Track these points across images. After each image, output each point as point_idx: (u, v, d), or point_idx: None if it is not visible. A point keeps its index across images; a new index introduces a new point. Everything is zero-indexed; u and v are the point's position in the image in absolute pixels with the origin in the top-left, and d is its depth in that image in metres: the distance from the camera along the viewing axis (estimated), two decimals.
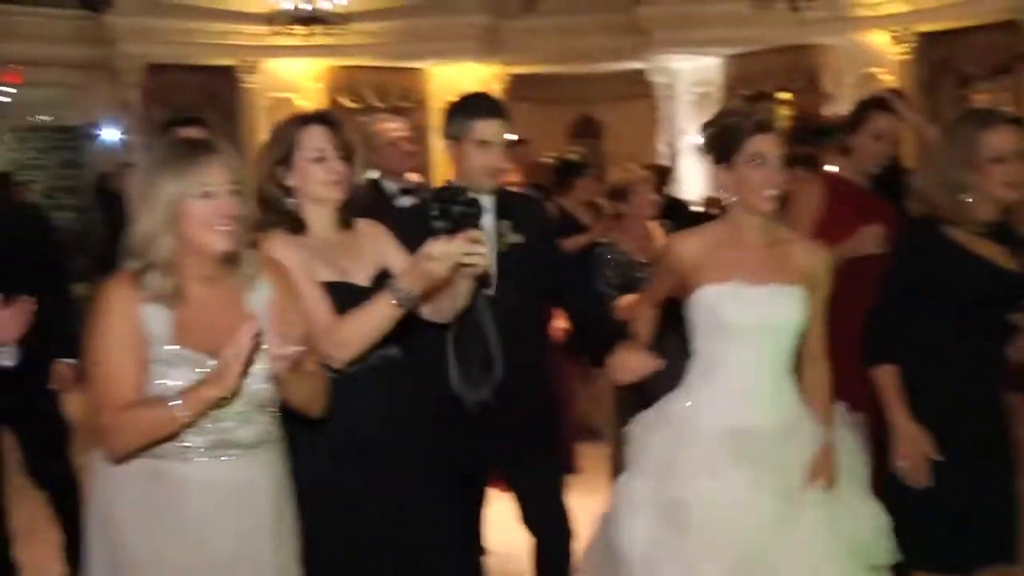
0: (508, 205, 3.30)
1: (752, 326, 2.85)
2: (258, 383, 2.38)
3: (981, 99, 11.85)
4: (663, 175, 7.28)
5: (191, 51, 13.07)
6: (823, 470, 2.87)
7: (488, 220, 3.20)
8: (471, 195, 2.49)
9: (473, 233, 2.42)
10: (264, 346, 2.37)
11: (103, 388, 2.31)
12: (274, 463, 2.53)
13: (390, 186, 4.81)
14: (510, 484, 3.41)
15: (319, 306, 2.66)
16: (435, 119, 13.94)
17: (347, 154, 2.80)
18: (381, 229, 2.96)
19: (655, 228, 4.92)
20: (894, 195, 3.95)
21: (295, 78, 13.91)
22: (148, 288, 2.33)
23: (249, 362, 2.24)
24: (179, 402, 2.23)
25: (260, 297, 2.47)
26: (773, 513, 2.75)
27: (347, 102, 13.93)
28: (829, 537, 2.80)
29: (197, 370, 2.32)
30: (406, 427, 2.84)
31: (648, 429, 2.98)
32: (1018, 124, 3.09)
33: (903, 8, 11.65)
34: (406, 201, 4.79)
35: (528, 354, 3.28)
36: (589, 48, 13.84)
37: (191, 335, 2.35)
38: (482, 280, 2.68)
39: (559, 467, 3.49)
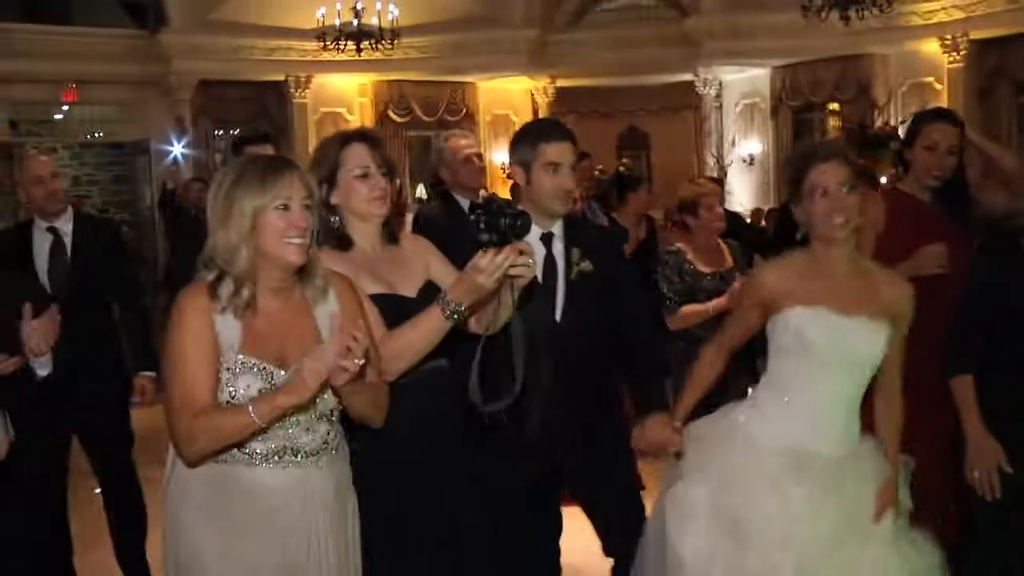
0: (579, 232, 3.28)
1: (835, 355, 2.81)
2: (322, 392, 2.40)
3: None
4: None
5: (242, 67, 13.31)
6: (889, 502, 2.84)
7: (558, 247, 3.22)
8: (517, 207, 2.50)
9: (520, 244, 2.42)
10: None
11: (180, 394, 2.35)
12: (337, 469, 2.56)
13: (462, 202, 4.85)
14: (586, 507, 3.35)
15: (370, 319, 2.69)
16: (483, 132, 14.09)
17: (388, 170, 2.86)
18: (426, 243, 3.00)
19: (722, 244, 4.92)
20: (960, 210, 3.87)
21: (344, 93, 14.10)
22: (222, 299, 2.39)
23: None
24: (252, 408, 2.25)
25: (329, 310, 2.50)
26: (833, 534, 2.72)
27: (395, 116, 14.08)
28: (897, 570, 2.77)
29: (264, 379, 2.37)
30: (456, 436, 2.85)
31: (709, 439, 2.94)
32: None
33: (955, 16, 11.53)
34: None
35: (595, 380, 3.25)
36: (637, 60, 13.85)
37: (260, 345, 2.39)
38: (527, 291, 2.67)
39: (636, 489, 3.37)
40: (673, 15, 13.61)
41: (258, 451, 2.41)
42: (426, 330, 2.57)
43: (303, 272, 2.48)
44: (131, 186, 14.57)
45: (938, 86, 11.84)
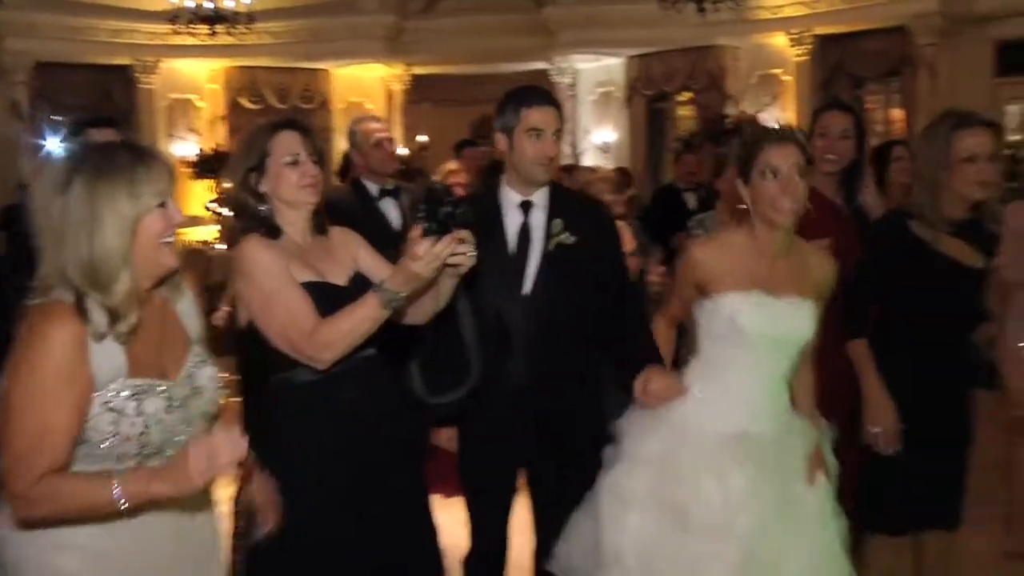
0: (564, 203, 3.19)
1: (769, 338, 2.84)
2: (211, 395, 2.27)
3: (873, 100, 12.37)
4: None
5: (84, 49, 12.66)
6: (819, 467, 2.93)
7: (537, 216, 3.16)
8: (458, 195, 2.48)
9: (460, 233, 2.40)
10: (202, 360, 2.28)
11: (26, 442, 1.95)
12: None
13: (371, 188, 4.71)
14: (531, 490, 3.28)
15: (303, 306, 2.61)
16: (337, 120, 13.85)
17: (319, 158, 2.80)
18: (354, 235, 2.93)
19: (623, 227, 5.00)
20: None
21: (194, 79, 13.62)
22: (98, 324, 2.04)
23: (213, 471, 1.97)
24: (119, 487, 1.95)
25: (188, 305, 2.34)
26: (774, 513, 2.78)
27: (247, 104, 13.69)
28: (825, 532, 2.86)
29: (152, 395, 2.11)
30: (394, 422, 2.81)
31: (643, 426, 2.94)
32: (991, 126, 3.22)
33: (801, 11, 12.03)
34: (387, 203, 4.70)
35: (568, 360, 3.15)
36: (492, 48, 13.86)
37: (142, 363, 2.12)
38: (466, 280, 2.64)
39: (582, 487, 3.06)
40: (528, 3, 13.69)
41: None
42: (361, 319, 2.51)
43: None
44: None
45: (786, 78, 12.31)
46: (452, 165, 5.38)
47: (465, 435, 3.22)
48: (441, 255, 2.37)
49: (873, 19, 11.63)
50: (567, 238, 3.12)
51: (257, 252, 2.66)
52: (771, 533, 2.75)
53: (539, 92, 3.19)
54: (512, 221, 3.16)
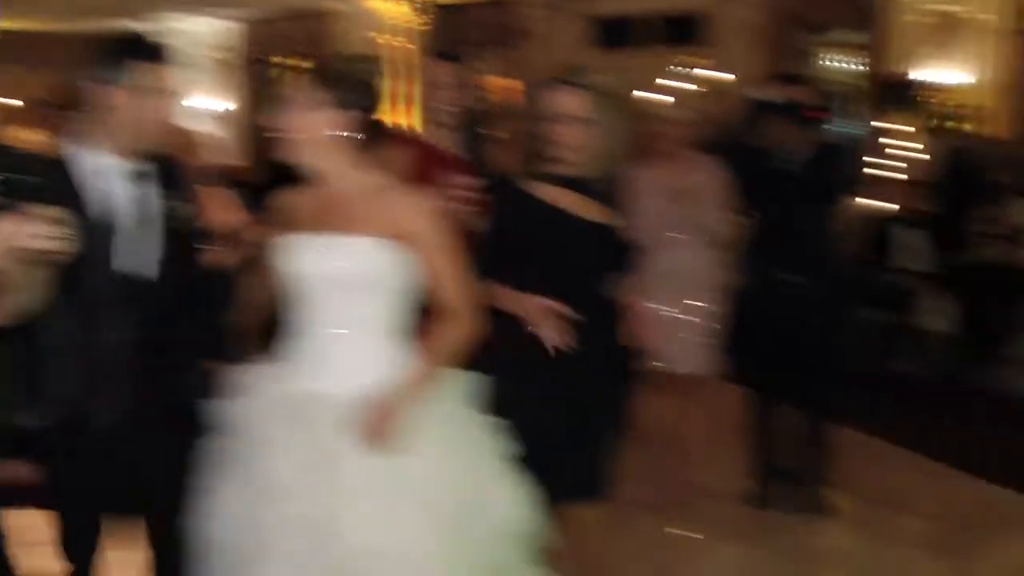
0: (177, 174, 2.81)
1: (313, 278, 2.65)
2: None
3: (485, 68, 12.86)
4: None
5: None
6: (373, 429, 2.55)
7: (152, 190, 2.73)
8: (34, 157, 2.10)
9: (42, 210, 1.95)
10: None
11: None
12: None
13: None
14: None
15: None
16: None
17: None
18: None
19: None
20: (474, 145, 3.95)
21: None
22: None
23: None
24: None
25: None
26: (348, 476, 2.53)
27: None
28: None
29: None
30: None
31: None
32: (584, 88, 3.28)
33: None
34: None
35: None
36: (89, 4, 12.69)
37: None
38: (64, 271, 2.18)
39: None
40: None
41: None
42: None
43: None
44: None
45: (409, 46, 12.44)
46: None
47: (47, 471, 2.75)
48: (10, 236, 1.92)
49: None
50: (185, 210, 2.79)
51: None
52: (344, 495, 2.51)
53: (151, 46, 2.73)
54: (113, 192, 2.68)
